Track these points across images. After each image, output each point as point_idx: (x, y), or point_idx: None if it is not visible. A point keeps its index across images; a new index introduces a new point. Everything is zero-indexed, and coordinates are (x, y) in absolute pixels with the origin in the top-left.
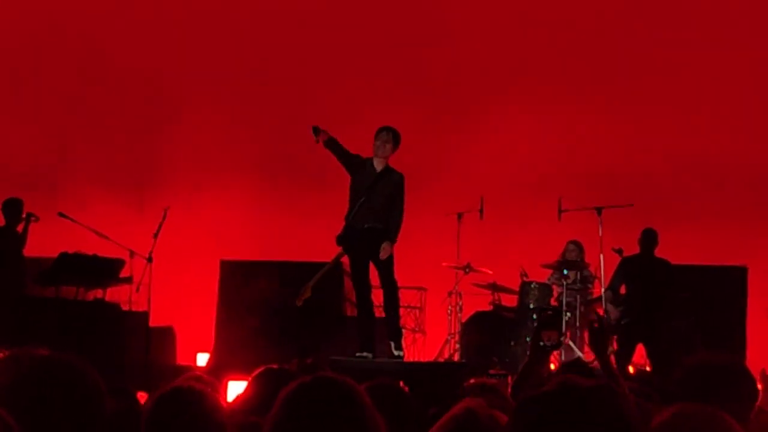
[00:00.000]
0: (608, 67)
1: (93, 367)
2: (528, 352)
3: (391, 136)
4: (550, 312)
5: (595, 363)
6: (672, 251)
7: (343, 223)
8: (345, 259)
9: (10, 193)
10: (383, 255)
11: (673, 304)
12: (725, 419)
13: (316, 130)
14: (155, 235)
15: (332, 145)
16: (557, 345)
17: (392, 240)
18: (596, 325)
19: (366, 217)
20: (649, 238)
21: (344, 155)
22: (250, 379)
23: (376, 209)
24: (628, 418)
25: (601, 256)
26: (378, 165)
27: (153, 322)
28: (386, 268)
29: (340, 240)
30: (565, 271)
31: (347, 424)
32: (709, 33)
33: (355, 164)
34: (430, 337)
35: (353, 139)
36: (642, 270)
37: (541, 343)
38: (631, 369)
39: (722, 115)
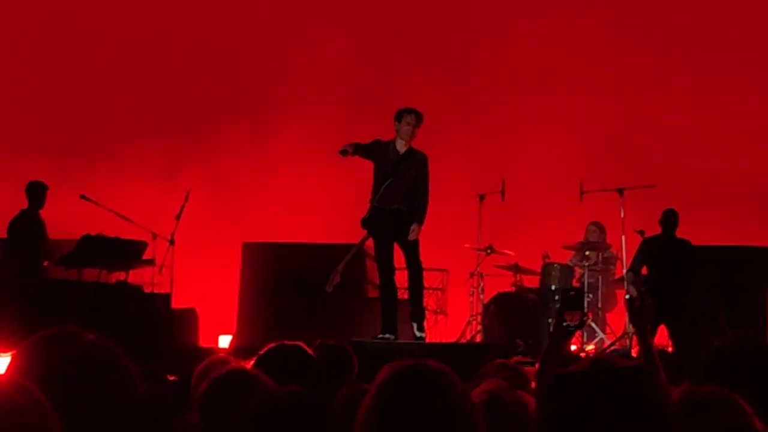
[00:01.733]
0: (629, 47)
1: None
2: (551, 333)
3: (419, 120)
4: (573, 292)
5: (617, 344)
6: (694, 232)
7: (368, 206)
8: (368, 242)
9: (32, 174)
10: (412, 236)
11: (698, 280)
12: (737, 402)
13: (344, 152)
14: (177, 217)
15: (358, 151)
16: (581, 325)
17: (420, 221)
18: (637, 303)
19: (391, 200)
20: (670, 219)
21: (368, 153)
22: (260, 353)
23: (401, 191)
24: (661, 400)
25: (623, 238)
26: (401, 147)
27: (175, 304)
28: (412, 250)
29: (365, 223)
30: (587, 253)
31: (443, 413)
32: (732, 10)
33: (377, 152)
34: (451, 319)
35: (375, 122)
36: (663, 250)
37: (565, 323)
38: None
39: (745, 95)
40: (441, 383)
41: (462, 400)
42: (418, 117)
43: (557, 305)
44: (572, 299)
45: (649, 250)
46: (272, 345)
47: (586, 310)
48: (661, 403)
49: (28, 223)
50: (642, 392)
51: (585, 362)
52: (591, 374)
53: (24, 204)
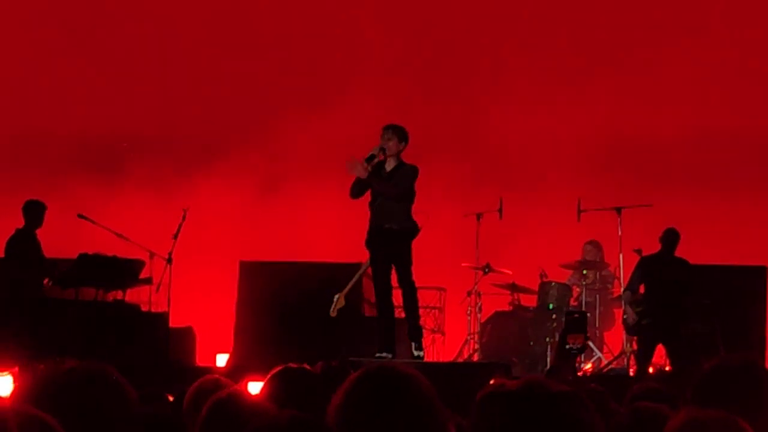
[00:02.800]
0: (627, 64)
1: (117, 372)
2: (549, 353)
3: (391, 132)
4: (576, 315)
5: (615, 363)
6: (691, 252)
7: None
8: (365, 261)
9: (29, 193)
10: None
11: (694, 310)
12: (739, 425)
13: (371, 157)
14: (175, 236)
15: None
16: (582, 348)
17: (371, 182)
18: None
19: (381, 218)
20: (670, 238)
21: (364, 186)
22: (267, 377)
23: (391, 209)
24: (591, 427)
25: (621, 256)
26: (388, 164)
27: (173, 323)
28: (404, 269)
29: (368, 243)
30: (585, 271)
31: (411, 413)
32: (732, 20)
33: (369, 181)
34: (449, 338)
35: (360, 128)
36: (661, 269)
37: (567, 347)
38: (650, 369)
39: (744, 113)
40: (407, 383)
41: (427, 399)
42: (388, 130)
43: (555, 324)
44: (575, 322)
45: (646, 269)
46: (279, 368)
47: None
48: (593, 428)
49: (25, 242)
50: (572, 417)
51: (519, 383)
52: (523, 395)
53: (15, 221)
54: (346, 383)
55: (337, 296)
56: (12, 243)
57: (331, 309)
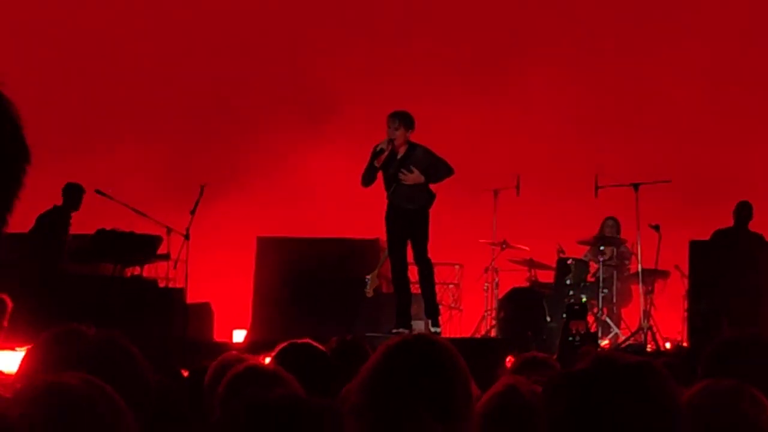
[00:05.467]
0: (645, 41)
1: (134, 345)
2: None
3: (397, 121)
4: (577, 306)
5: (632, 340)
6: (709, 228)
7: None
8: (382, 239)
9: (49, 167)
10: (406, 178)
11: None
12: (754, 394)
13: (381, 150)
14: (192, 212)
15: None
16: (587, 336)
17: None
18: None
19: (400, 199)
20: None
21: (375, 173)
22: (273, 353)
23: (408, 192)
24: (667, 396)
25: (638, 233)
26: (399, 150)
27: (190, 299)
28: (420, 246)
29: (387, 220)
30: (602, 248)
31: (441, 381)
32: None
33: (383, 165)
34: (466, 314)
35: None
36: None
37: (570, 338)
38: (668, 345)
39: (764, 88)
40: (441, 352)
41: (459, 369)
42: (394, 119)
43: (572, 301)
44: (576, 311)
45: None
46: (284, 344)
47: (601, 306)
48: (668, 399)
49: (57, 219)
50: (648, 388)
51: (588, 360)
52: (595, 372)
53: (42, 203)
54: (384, 347)
55: (369, 276)
56: (44, 217)
57: (367, 289)
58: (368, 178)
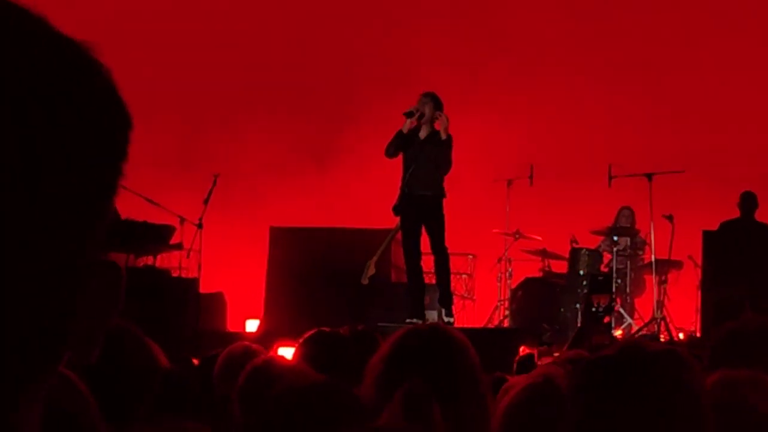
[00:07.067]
0: (657, 29)
1: (145, 335)
2: (579, 318)
3: (429, 98)
4: (601, 278)
5: (645, 330)
6: (723, 218)
7: (399, 192)
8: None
9: None
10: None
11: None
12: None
13: (410, 113)
14: (205, 202)
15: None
16: (609, 308)
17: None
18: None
19: (417, 185)
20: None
21: (401, 144)
22: (299, 341)
23: (426, 176)
24: (694, 384)
25: (652, 223)
26: (422, 132)
27: (203, 289)
28: (438, 236)
29: (397, 210)
30: (616, 238)
31: (451, 369)
32: None
33: (405, 142)
34: (479, 304)
35: (401, 106)
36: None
37: (593, 309)
38: (681, 335)
39: None
40: (452, 339)
41: (470, 360)
42: (429, 96)
43: (586, 291)
44: (600, 283)
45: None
46: (312, 331)
47: (614, 296)
48: (695, 386)
49: None
50: (674, 375)
51: (614, 347)
52: (621, 359)
53: None
54: (395, 336)
55: (368, 263)
56: None
57: (363, 276)
58: (394, 148)
